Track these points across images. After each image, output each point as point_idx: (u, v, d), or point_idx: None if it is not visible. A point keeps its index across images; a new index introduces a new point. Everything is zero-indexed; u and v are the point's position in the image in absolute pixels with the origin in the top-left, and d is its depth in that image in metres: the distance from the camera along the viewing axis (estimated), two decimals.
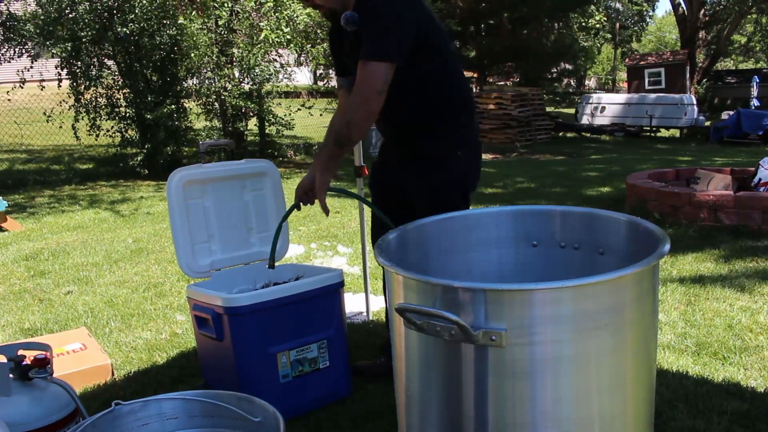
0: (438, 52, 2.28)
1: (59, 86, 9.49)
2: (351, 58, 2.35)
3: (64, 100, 9.44)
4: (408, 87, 2.22)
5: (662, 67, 21.08)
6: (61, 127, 9.61)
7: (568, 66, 29.73)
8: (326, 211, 2.36)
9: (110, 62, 9.56)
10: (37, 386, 1.83)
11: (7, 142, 12.12)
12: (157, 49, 9.35)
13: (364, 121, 2.16)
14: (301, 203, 2.46)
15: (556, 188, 7.85)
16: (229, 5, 10.07)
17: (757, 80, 17.50)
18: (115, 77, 9.63)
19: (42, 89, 9.78)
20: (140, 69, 9.46)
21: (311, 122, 12.70)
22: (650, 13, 42.93)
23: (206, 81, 10.35)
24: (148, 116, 9.11)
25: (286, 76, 11.46)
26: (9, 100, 10.30)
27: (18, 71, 9.54)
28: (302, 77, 15.77)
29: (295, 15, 10.22)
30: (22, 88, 9.61)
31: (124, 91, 9.59)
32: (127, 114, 9.51)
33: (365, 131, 2.25)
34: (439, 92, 2.32)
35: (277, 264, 2.75)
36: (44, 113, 9.53)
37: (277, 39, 10.09)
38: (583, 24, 27.93)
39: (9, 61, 9.68)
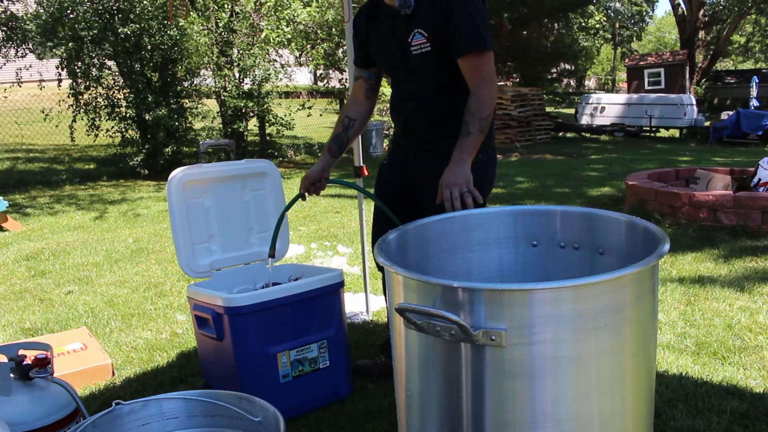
0: None
1: (59, 86, 9.49)
2: (390, 43, 2.30)
3: (63, 100, 9.44)
4: (458, 85, 2.19)
5: (662, 68, 21.07)
6: (57, 126, 9.62)
7: (567, 66, 29.74)
8: (480, 200, 2.14)
9: (110, 63, 9.57)
10: (38, 386, 1.84)
11: (7, 142, 12.12)
12: (157, 50, 9.36)
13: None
14: (307, 194, 2.46)
15: (557, 188, 7.85)
16: (229, 6, 10.08)
17: (757, 80, 17.48)
18: (116, 77, 9.64)
19: (41, 89, 9.77)
20: (140, 69, 9.46)
21: (311, 122, 12.70)
22: (650, 13, 42.94)
23: (204, 81, 10.37)
24: (147, 117, 9.11)
25: (285, 76, 11.45)
26: (6, 97, 10.30)
27: (17, 70, 9.56)
28: (302, 77, 15.78)
29: (295, 15, 10.22)
30: (20, 87, 9.62)
31: (125, 91, 9.59)
32: (128, 114, 9.52)
33: None
34: None
35: (277, 264, 2.76)
36: (42, 111, 9.54)
37: (277, 38, 10.10)
38: (583, 24, 27.93)
39: (15, 60, 9.70)
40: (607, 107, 16.85)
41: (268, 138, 11.56)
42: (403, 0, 2.15)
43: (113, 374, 2.89)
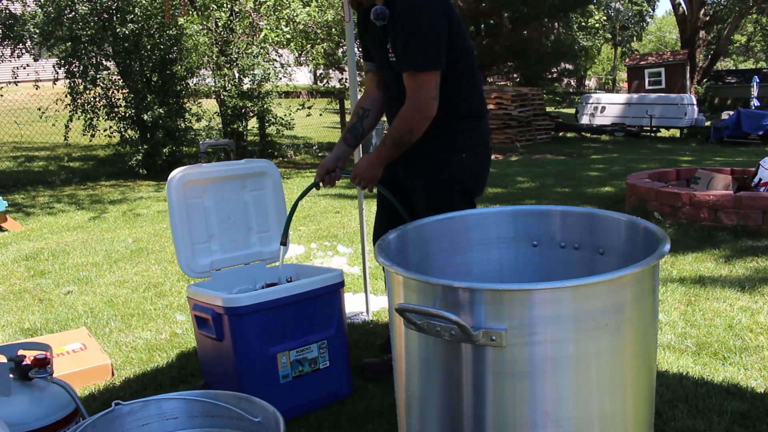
0: (461, 54, 2.28)
1: (54, 85, 9.47)
2: (375, 47, 2.39)
3: (60, 99, 9.43)
4: None
5: (662, 67, 21.08)
6: (53, 125, 9.61)
7: (568, 66, 29.72)
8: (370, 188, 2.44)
9: (109, 63, 9.56)
10: (37, 386, 1.83)
11: (7, 142, 12.12)
12: (156, 49, 9.35)
13: (424, 126, 2.24)
14: (321, 183, 2.47)
15: (557, 188, 7.85)
16: (229, 5, 10.07)
17: (757, 80, 17.50)
18: (114, 77, 9.62)
19: (37, 88, 9.76)
20: (139, 69, 9.45)
21: (311, 122, 12.70)
22: (650, 13, 42.94)
23: (204, 81, 10.38)
24: (145, 117, 9.10)
25: (285, 75, 11.46)
26: (1, 95, 10.29)
27: (14, 69, 9.55)
28: (302, 77, 15.78)
29: (294, 14, 10.22)
30: (16, 85, 9.60)
31: (124, 91, 9.58)
32: (126, 114, 9.51)
33: (422, 133, 2.28)
34: (456, 94, 2.31)
35: (276, 264, 2.75)
36: (39, 109, 9.53)
37: (276, 38, 10.11)
38: (583, 24, 27.93)
39: (11, 60, 9.70)
40: (607, 107, 16.87)
41: (268, 138, 11.56)
42: (376, 13, 2.18)
43: (113, 374, 2.89)
